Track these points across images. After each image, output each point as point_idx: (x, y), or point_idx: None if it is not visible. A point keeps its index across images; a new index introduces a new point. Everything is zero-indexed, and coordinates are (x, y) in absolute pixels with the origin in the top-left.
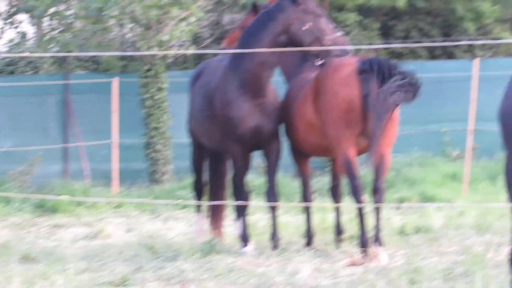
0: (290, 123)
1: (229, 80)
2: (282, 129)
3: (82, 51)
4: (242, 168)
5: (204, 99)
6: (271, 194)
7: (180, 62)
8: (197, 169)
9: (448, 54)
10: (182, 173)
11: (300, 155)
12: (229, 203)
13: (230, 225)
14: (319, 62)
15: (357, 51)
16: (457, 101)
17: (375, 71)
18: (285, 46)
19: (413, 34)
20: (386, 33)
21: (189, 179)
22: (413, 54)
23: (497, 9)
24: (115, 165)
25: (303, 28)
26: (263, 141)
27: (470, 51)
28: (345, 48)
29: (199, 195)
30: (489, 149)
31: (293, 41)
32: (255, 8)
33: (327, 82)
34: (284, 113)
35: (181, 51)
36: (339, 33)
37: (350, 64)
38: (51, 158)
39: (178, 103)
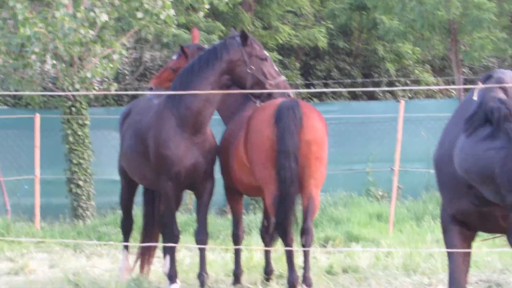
0: (226, 162)
1: (166, 118)
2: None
3: (2, 87)
4: (173, 207)
5: (137, 137)
6: (201, 233)
7: (102, 99)
8: (126, 207)
9: (369, 94)
10: (104, 209)
11: (234, 193)
12: (159, 242)
13: (158, 262)
14: (259, 104)
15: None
16: (381, 142)
17: (286, 114)
18: (227, 86)
19: (333, 74)
20: (307, 72)
21: (112, 216)
22: (334, 94)
23: (417, 51)
24: (37, 201)
25: (248, 71)
26: (198, 180)
27: (391, 92)
28: (287, 92)
29: (126, 233)
30: (413, 189)
31: (236, 82)
32: (183, 50)
33: (252, 122)
34: (222, 152)
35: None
36: (282, 78)
37: (274, 104)
38: None
39: (100, 140)
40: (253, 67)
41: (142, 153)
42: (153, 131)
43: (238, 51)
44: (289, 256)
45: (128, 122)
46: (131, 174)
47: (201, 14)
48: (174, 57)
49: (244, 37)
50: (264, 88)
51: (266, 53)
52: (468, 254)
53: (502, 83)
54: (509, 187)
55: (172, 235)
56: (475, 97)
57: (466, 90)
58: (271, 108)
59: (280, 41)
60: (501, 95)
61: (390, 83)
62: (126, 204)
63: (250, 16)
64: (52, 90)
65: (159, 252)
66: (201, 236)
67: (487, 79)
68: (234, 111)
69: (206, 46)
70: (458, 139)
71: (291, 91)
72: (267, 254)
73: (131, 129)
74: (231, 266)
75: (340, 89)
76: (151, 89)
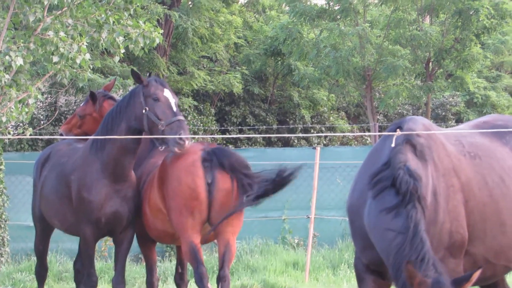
0: (139, 209)
1: (90, 163)
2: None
3: None
4: (92, 252)
5: (61, 179)
6: (119, 282)
7: (16, 144)
8: (40, 253)
9: (285, 141)
10: (19, 256)
11: (147, 240)
12: None
13: None
14: (162, 148)
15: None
16: (297, 189)
17: (219, 160)
18: (139, 131)
19: (249, 120)
20: (222, 118)
21: (27, 262)
22: (249, 141)
23: (332, 98)
24: None
25: (143, 112)
26: (118, 228)
27: (306, 139)
28: (180, 135)
29: (41, 280)
30: (329, 237)
31: (139, 125)
32: (92, 95)
33: (171, 169)
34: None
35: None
36: (177, 117)
37: (194, 152)
38: None
39: (14, 185)
40: (147, 108)
41: (65, 195)
42: (77, 174)
43: (138, 94)
44: None
45: (50, 164)
46: (50, 217)
47: (117, 58)
48: (82, 104)
49: (136, 76)
50: (158, 129)
51: (162, 93)
52: None
53: (412, 135)
54: (394, 275)
55: (90, 281)
56: (393, 144)
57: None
58: (192, 155)
59: (196, 87)
60: (410, 156)
61: (305, 130)
62: (41, 251)
63: (165, 61)
64: None
65: None
66: (119, 284)
67: (396, 129)
68: (142, 157)
69: (118, 93)
70: (365, 193)
71: (186, 134)
72: None
73: (54, 171)
74: None
75: (255, 135)
76: (61, 134)
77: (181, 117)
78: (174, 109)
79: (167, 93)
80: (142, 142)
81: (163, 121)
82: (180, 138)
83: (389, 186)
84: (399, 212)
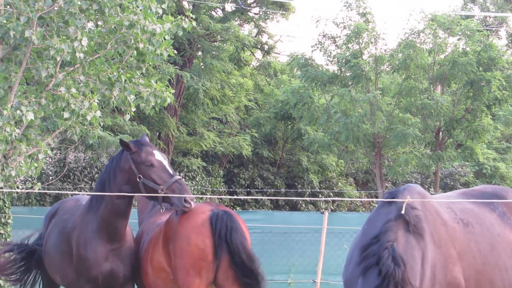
0: (139, 266)
1: (88, 221)
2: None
3: None
4: None
5: (61, 236)
6: None
7: (24, 198)
8: None
9: (292, 204)
10: None
11: None
12: None
13: None
14: (163, 210)
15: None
16: (303, 253)
17: (219, 223)
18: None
19: (257, 183)
20: (230, 180)
21: None
22: (257, 203)
23: (341, 163)
24: None
25: (138, 179)
26: (116, 285)
27: (313, 203)
28: (183, 196)
29: None
30: None
31: (134, 191)
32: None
33: (179, 228)
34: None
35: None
36: (174, 178)
37: (203, 212)
38: None
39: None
40: (141, 176)
41: (66, 252)
42: (77, 232)
43: (126, 161)
44: None
45: (55, 220)
46: (52, 272)
47: (127, 117)
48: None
49: (125, 145)
50: (157, 193)
51: (154, 157)
52: None
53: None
54: None
55: None
56: (403, 211)
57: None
58: (201, 216)
59: (205, 148)
60: (400, 234)
61: (313, 194)
62: None
63: (176, 121)
64: None
65: None
66: None
67: (392, 197)
68: (146, 215)
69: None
70: (357, 268)
71: (188, 195)
72: None
73: (57, 228)
74: None
75: (263, 197)
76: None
77: (178, 177)
78: (170, 171)
79: (159, 156)
80: (143, 201)
81: (162, 186)
82: (185, 200)
83: (374, 265)
84: None
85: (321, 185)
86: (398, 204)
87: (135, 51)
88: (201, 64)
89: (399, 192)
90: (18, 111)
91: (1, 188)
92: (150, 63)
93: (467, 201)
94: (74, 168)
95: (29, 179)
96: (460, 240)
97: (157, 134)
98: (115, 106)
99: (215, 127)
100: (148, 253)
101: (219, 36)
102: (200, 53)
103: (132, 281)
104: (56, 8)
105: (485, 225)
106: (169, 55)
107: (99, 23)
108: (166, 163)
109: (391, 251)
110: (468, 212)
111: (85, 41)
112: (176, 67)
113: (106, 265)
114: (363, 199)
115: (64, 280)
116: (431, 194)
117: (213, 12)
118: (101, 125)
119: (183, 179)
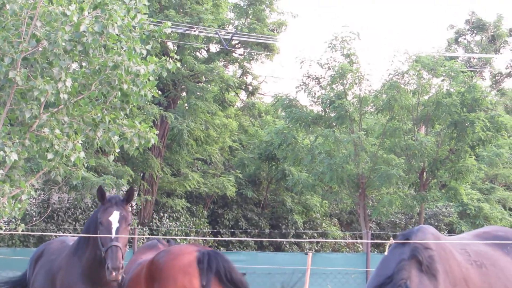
0: None
1: (72, 265)
2: None
3: None
4: None
5: (48, 276)
6: None
7: (8, 239)
8: None
9: (276, 245)
10: None
11: None
12: None
13: None
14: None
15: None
16: None
17: (213, 263)
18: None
19: (241, 224)
20: (214, 221)
21: None
22: (241, 244)
23: (325, 204)
24: None
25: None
26: None
27: (297, 244)
28: (108, 264)
29: None
30: None
31: None
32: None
33: (164, 268)
34: None
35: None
36: (111, 243)
37: (189, 252)
38: None
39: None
40: (98, 232)
41: None
42: (61, 274)
43: (96, 217)
44: None
45: (41, 262)
46: None
47: (111, 157)
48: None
49: (100, 195)
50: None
51: (107, 217)
52: None
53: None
54: None
55: None
56: (386, 252)
57: (374, 244)
58: (188, 256)
59: (189, 188)
60: (413, 273)
61: (298, 235)
62: None
63: (160, 162)
64: None
65: None
66: None
67: (406, 238)
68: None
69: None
70: None
71: (114, 262)
72: None
73: (44, 269)
74: None
75: (247, 239)
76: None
77: (115, 243)
78: (113, 234)
79: (113, 217)
80: None
81: (103, 248)
82: (107, 268)
83: None
84: None
85: (305, 225)
86: (411, 245)
87: (119, 92)
88: (186, 104)
89: (412, 233)
90: (1, 152)
91: None
92: (134, 104)
93: (480, 243)
94: (58, 209)
95: (13, 220)
96: (474, 281)
97: (141, 174)
98: (99, 147)
99: (199, 168)
100: None
101: (203, 77)
102: (184, 93)
103: None
104: (40, 49)
105: (499, 267)
106: (153, 96)
107: (83, 64)
108: (114, 225)
109: None
110: (482, 254)
111: (69, 82)
112: (161, 108)
113: None
114: (347, 240)
115: None
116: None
117: (197, 53)
118: (85, 166)
119: (119, 246)
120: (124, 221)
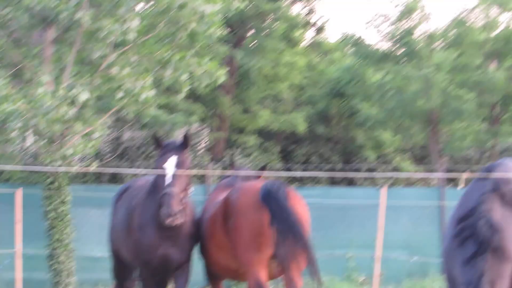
0: (203, 244)
1: (147, 205)
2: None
3: None
4: None
5: (126, 211)
6: None
7: (81, 177)
8: (118, 278)
9: (349, 180)
10: (85, 285)
11: (213, 275)
12: None
13: None
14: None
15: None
16: (362, 228)
17: (274, 196)
18: None
19: (313, 159)
20: (286, 157)
21: None
22: (314, 179)
23: (397, 139)
24: (18, 275)
25: None
26: (171, 269)
27: (371, 178)
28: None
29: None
30: (395, 276)
31: None
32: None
33: (236, 205)
34: (198, 233)
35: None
36: (165, 190)
37: (257, 188)
38: None
39: (81, 216)
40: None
41: (129, 230)
42: (137, 212)
43: None
44: None
45: (124, 197)
46: (117, 247)
47: (181, 96)
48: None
49: (156, 142)
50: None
51: (161, 164)
52: None
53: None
54: None
55: None
56: (459, 186)
57: (447, 179)
58: (254, 190)
59: (260, 125)
60: (495, 206)
61: (370, 170)
62: (119, 275)
63: (229, 100)
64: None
65: None
66: None
67: (488, 172)
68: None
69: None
70: (454, 241)
71: (168, 208)
72: None
73: (125, 203)
74: None
75: (319, 173)
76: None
77: (169, 190)
78: (166, 181)
79: (168, 163)
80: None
81: (159, 194)
82: (161, 214)
83: (470, 236)
84: (472, 264)
85: (378, 160)
86: (494, 178)
87: (186, 31)
88: (253, 43)
89: (494, 167)
90: (73, 90)
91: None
92: (201, 43)
93: None
94: (130, 147)
95: (86, 157)
96: None
97: (212, 112)
98: (169, 85)
99: (269, 105)
100: (209, 231)
101: (271, 15)
102: (251, 32)
103: (188, 264)
104: None
105: None
106: (220, 34)
107: (151, 2)
108: (170, 171)
109: (488, 219)
110: None
111: (136, 22)
112: (230, 44)
113: (160, 250)
114: (420, 174)
115: (128, 256)
116: None
117: None
118: (155, 104)
119: (173, 193)
120: (180, 166)
